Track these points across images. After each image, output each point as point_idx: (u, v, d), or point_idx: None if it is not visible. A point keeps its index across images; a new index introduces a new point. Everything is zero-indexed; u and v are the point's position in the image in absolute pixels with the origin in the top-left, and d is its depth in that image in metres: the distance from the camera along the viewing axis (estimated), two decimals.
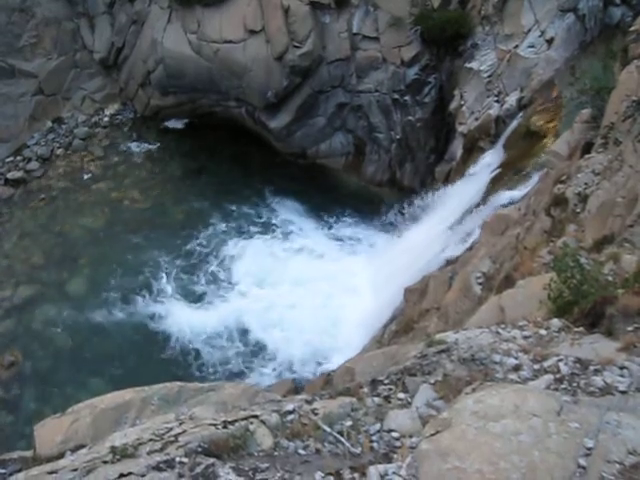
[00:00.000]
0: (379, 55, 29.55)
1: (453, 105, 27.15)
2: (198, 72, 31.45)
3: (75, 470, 4.77)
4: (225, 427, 5.13)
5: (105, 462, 4.81)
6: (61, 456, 7.96)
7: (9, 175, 31.78)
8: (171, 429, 5.30)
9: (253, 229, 29.45)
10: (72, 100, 34.82)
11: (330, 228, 29.30)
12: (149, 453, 4.83)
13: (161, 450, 4.86)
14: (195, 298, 26.77)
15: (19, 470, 8.38)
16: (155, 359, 24.68)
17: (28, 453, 9.09)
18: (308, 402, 5.80)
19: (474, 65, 26.50)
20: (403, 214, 27.93)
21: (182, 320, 25.72)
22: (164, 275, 27.60)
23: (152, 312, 26.09)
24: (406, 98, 29.36)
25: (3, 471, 8.69)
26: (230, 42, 30.48)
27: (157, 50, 32.24)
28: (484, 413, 4.92)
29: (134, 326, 25.69)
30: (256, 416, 5.29)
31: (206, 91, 32.19)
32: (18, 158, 32.65)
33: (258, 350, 24.98)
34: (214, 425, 5.12)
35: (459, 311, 16.31)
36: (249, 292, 26.83)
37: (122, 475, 4.45)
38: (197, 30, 31.32)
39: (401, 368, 6.46)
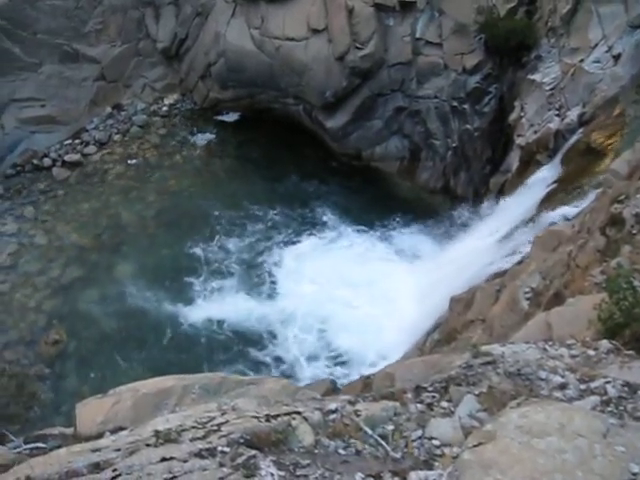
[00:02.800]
0: (441, 61, 29.36)
1: (513, 116, 26.82)
2: (259, 67, 31.64)
3: (118, 450, 4.83)
4: (268, 421, 5.14)
5: (148, 445, 4.85)
6: (100, 436, 8.08)
7: (66, 157, 32.39)
8: (213, 418, 5.33)
9: (302, 227, 29.50)
10: (132, 88, 35.33)
11: (379, 231, 29.14)
12: (191, 440, 4.86)
13: (203, 438, 4.89)
14: (241, 291, 26.90)
15: (59, 446, 8.53)
16: (197, 349, 24.92)
17: (68, 430, 9.27)
18: (351, 403, 5.78)
19: (537, 77, 26.13)
20: (454, 222, 27.76)
21: (226, 312, 25.91)
22: (211, 266, 27.82)
23: (197, 303, 26.33)
24: (465, 106, 29.11)
25: (43, 446, 8.87)
26: (292, 40, 30.62)
27: (219, 43, 32.54)
28: (529, 428, 4.85)
29: (178, 315, 25.93)
30: (299, 412, 5.29)
31: (265, 87, 32.37)
32: (76, 141, 33.24)
33: (298, 348, 25.01)
34: (257, 418, 5.14)
35: (504, 325, 16.12)
36: (293, 290, 26.87)
37: (164, 459, 4.49)
38: (260, 26, 31.52)
39: (446, 377, 6.40)
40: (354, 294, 26.20)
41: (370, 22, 29.37)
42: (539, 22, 27.34)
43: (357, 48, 29.39)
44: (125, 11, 34.97)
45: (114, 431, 8.19)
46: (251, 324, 25.70)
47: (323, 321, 25.67)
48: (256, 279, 27.48)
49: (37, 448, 8.63)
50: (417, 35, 29.65)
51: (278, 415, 5.21)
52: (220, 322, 25.66)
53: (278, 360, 24.81)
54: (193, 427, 5.07)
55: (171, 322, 25.75)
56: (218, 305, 26.27)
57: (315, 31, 30.16)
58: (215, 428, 5.02)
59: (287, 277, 27.43)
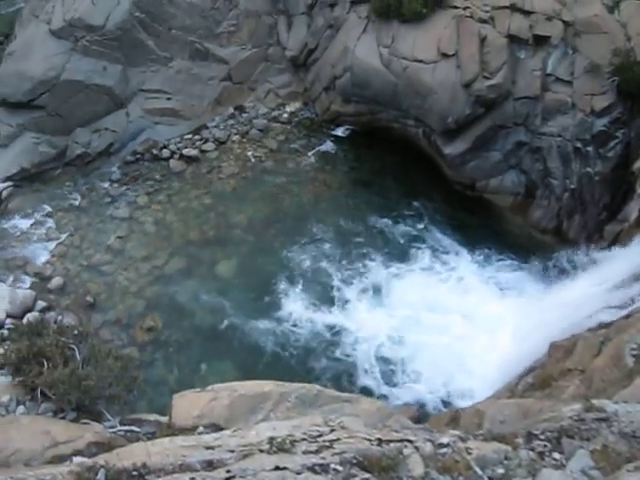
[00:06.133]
0: (569, 100, 28.64)
1: (637, 165, 25.96)
2: (383, 86, 31.63)
3: (232, 452, 4.80)
4: (379, 445, 5.02)
5: (261, 451, 4.82)
6: (194, 430, 8.16)
7: (185, 151, 33.26)
8: (323, 433, 5.25)
9: (403, 248, 29.21)
10: (257, 91, 36.03)
11: (483, 265, 28.56)
12: (305, 452, 4.79)
13: (316, 452, 4.81)
14: (335, 307, 26.82)
15: (153, 433, 8.68)
16: (285, 357, 25.03)
17: (163, 419, 9.42)
18: (462, 439, 5.60)
19: None
20: (563, 266, 26.98)
21: (319, 325, 25.99)
22: (311, 277, 27.89)
23: (292, 311, 26.46)
24: (589, 149, 28.26)
25: (137, 430, 9.05)
26: (421, 62, 30.46)
27: (347, 57, 32.72)
28: None
29: (271, 321, 26.11)
30: (410, 441, 5.15)
31: (387, 106, 32.30)
32: (196, 137, 34.10)
33: (386, 371, 24.79)
34: (369, 440, 5.03)
35: (605, 379, 15.53)
36: (389, 313, 26.61)
37: (278, 468, 4.42)
38: (390, 44, 31.50)
39: (557, 427, 6.15)
40: (449, 323, 25.78)
41: (501, 52, 29.01)
42: None
43: (485, 77, 29.02)
44: (259, 16, 35.84)
45: (208, 427, 8.27)
46: (340, 340, 25.66)
47: (413, 349, 25.33)
48: (350, 295, 27.29)
49: (131, 431, 8.80)
50: (548, 71, 29.11)
51: (390, 441, 5.08)
52: (312, 334, 25.70)
53: (363, 380, 24.65)
54: (304, 439, 5.01)
55: (263, 327, 25.94)
56: (311, 316, 26.34)
57: (444, 55, 29.93)
58: (327, 444, 4.93)
59: (384, 302, 27.18)
